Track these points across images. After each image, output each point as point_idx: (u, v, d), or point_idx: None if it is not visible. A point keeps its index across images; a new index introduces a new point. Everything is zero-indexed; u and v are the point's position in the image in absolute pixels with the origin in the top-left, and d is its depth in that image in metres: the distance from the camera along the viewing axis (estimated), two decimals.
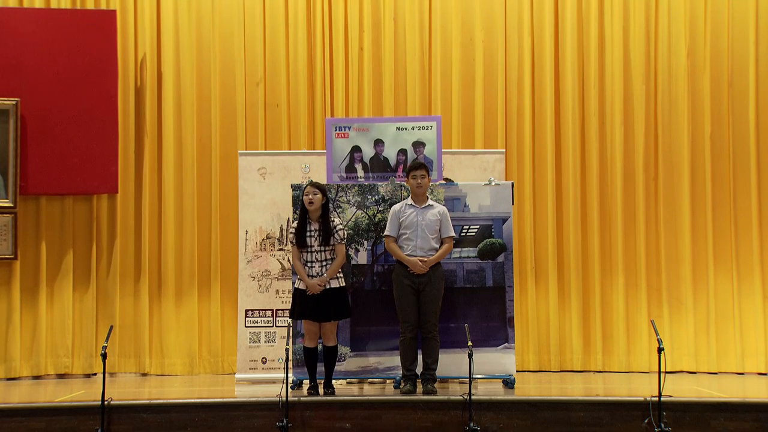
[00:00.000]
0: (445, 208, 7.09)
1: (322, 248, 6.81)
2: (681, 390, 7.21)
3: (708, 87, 8.93)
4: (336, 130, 7.72)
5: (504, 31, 9.06)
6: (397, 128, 7.75)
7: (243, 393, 7.36)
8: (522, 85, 9.03)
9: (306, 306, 6.78)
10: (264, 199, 8.00)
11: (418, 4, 9.08)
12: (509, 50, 9.07)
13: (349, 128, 7.74)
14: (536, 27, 9.07)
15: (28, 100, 8.53)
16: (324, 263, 6.81)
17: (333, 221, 6.88)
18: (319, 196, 6.80)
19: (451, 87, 9.05)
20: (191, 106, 8.96)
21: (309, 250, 6.81)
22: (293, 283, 6.99)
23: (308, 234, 6.81)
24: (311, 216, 6.84)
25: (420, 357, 6.95)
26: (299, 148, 8.77)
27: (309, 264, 6.81)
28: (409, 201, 7.03)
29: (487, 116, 9.02)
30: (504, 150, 8.52)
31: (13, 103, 8.49)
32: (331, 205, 7.02)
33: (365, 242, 7.41)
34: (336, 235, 6.82)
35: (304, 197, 6.80)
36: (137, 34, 8.97)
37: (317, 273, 6.80)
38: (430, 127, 7.72)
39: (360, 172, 7.68)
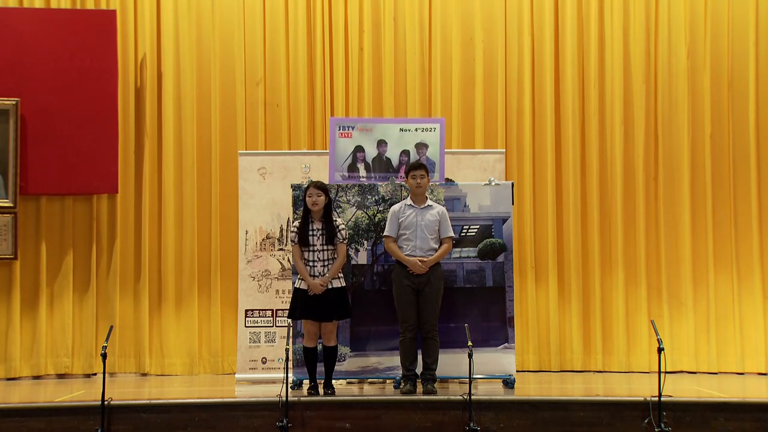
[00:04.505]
0: (444, 209, 7.09)
1: (325, 247, 6.81)
2: (681, 390, 7.21)
3: (708, 87, 8.94)
4: (339, 129, 7.72)
5: (504, 31, 9.06)
6: (401, 129, 7.76)
7: (243, 393, 7.36)
8: (522, 85, 9.03)
9: (308, 306, 6.78)
10: (264, 199, 8.00)
11: (418, 4, 9.08)
12: (509, 50, 9.07)
13: (353, 128, 7.74)
14: (536, 27, 9.07)
15: (28, 100, 8.53)
16: (326, 263, 6.81)
17: (336, 221, 6.89)
18: (323, 197, 6.80)
19: (451, 87, 9.05)
20: (191, 106, 8.96)
21: (311, 249, 6.81)
22: (293, 282, 6.99)
23: (311, 233, 6.81)
24: (313, 215, 6.84)
25: (420, 357, 6.95)
26: (299, 148, 8.77)
27: (311, 263, 6.81)
28: (409, 201, 7.04)
29: (487, 116, 9.02)
30: (504, 150, 8.53)
31: (13, 103, 8.49)
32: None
33: (365, 242, 7.41)
34: (339, 234, 6.83)
35: (308, 198, 6.80)
36: (137, 34, 8.97)
37: (319, 273, 6.79)
38: (433, 129, 7.73)
39: (362, 172, 7.68)
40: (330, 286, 6.80)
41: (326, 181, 7.30)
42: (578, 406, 6.49)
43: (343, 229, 6.90)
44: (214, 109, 8.99)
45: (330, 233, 6.80)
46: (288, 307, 7.04)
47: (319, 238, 6.81)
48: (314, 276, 6.79)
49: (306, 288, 6.79)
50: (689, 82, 8.95)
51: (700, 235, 8.84)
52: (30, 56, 8.57)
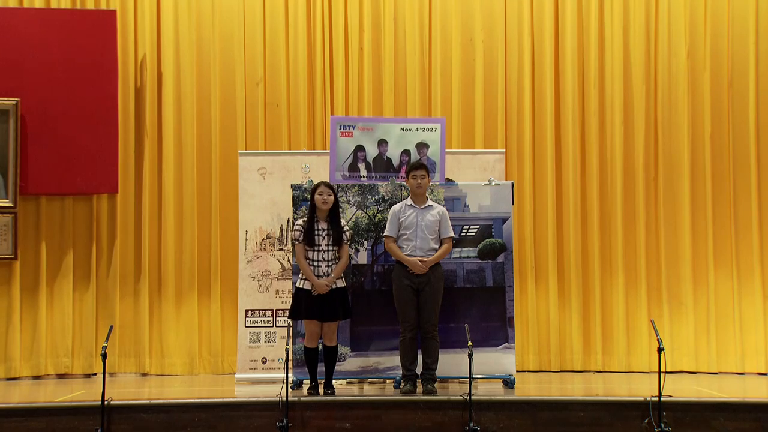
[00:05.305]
0: (444, 209, 7.10)
1: (330, 248, 6.81)
2: (681, 390, 7.21)
3: (708, 87, 8.94)
4: (340, 128, 7.72)
5: (504, 31, 9.07)
6: (402, 129, 7.75)
7: (243, 393, 7.36)
8: (522, 85, 9.03)
9: (312, 306, 6.77)
10: (264, 199, 8.00)
11: (418, 4, 9.08)
12: (509, 50, 9.07)
13: (354, 127, 7.74)
14: (536, 27, 9.07)
15: (28, 100, 8.53)
16: (330, 263, 6.81)
17: (341, 221, 6.90)
18: (332, 197, 6.81)
19: (451, 87, 9.05)
20: (191, 106, 8.96)
21: (316, 249, 6.80)
22: (294, 283, 6.99)
23: (316, 233, 6.81)
24: (319, 215, 6.84)
25: (420, 357, 6.95)
26: (299, 148, 8.77)
27: (315, 263, 6.80)
28: (409, 201, 7.04)
29: (487, 116, 9.02)
30: (504, 150, 8.53)
31: (13, 103, 8.49)
32: None
33: (365, 242, 7.41)
34: (345, 235, 6.84)
35: (318, 196, 6.79)
36: (137, 34, 8.97)
37: (324, 273, 6.79)
38: (434, 129, 7.73)
39: (363, 172, 7.68)
40: (334, 286, 6.80)
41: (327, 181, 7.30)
42: (578, 406, 6.50)
43: (347, 230, 6.91)
44: (214, 109, 8.99)
45: (337, 234, 6.81)
46: (288, 307, 7.02)
47: (324, 238, 6.81)
48: (318, 276, 6.78)
49: (309, 288, 6.78)
50: (689, 82, 8.95)
51: (700, 235, 8.84)
52: (30, 56, 8.57)
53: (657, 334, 6.38)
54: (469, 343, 6.36)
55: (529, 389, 7.48)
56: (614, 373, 8.68)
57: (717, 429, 6.36)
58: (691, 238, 8.83)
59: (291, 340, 6.67)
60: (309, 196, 6.96)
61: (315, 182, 7.00)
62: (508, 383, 7.31)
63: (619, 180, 8.91)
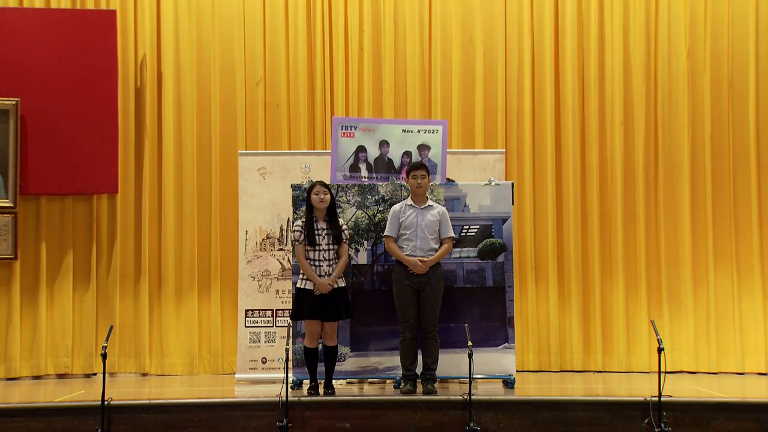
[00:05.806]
0: (444, 209, 7.10)
1: (330, 247, 6.82)
2: (681, 390, 7.21)
3: (708, 87, 8.94)
4: (342, 129, 7.71)
5: (504, 31, 9.07)
6: (403, 130, 7.75)
7: (243, 393, 7.36)
8: (522, 85, 9.04)
9: (315, 306, 6.77)
10: (264, 199, 8.00)
11: (418, 4, 9.08)
12: (509, 50, 9.07)
13: (355, 128, 7.74)
14: (536, 27, 9.07)
15: (28, 100, 8.53)
16: (331, 262, 6.81)
17: (339, 220, 6.90)
18: (329, 196, 6.82)
19: (451, 87, 9.05)
20: (191, 106, 8.96)
21: (317, 248, 6.80)
22: (294, 283, 6.98)
23: (317, 232, 6.81)
24: (318, 215, 6.84)
25: (420, 357, 6.95)
26: (299, 148, 8.77)
27: (316, 263, 6.79)
28: (409, 201, 7.04)
29: (487, 116, 9.03)
30: (504, 150, 8.53)
31: (13, 103, 8.49)
32: None
33: (365, 242, 7.41)
34: (344, 234, 6.84)
35: (314, 196, 6.79)
36: (137, 34, 8.97)
37: (325, 272, 6.79)
38: (435, 131, 7.73)
39: (364, 172, 7.68)
40: (336, 286, 6.81)
41: (327, 181, 7.29)
42: (578, 406, 6.49)
43: (346, 229, 6.92)
44: (214, 109, 8.99)
45: (337, 233, 6.82)
46: (289, 308, 7.01)
47: (324, 237, 6.81)
48: (320, 276, 6.78)
49: (311, 288, 6.78)
50: (689, 82, 8.95)
51: (700, 235, 8.84)
52: (30, 56, 8.57)
53: (657, 334, 6.38)
54: (469, 343, 6.36)
55: (529, 389, 7.48)
56: (614, 373, 8.68)
57: (717, 429, 6.36)
58: (691, 238, 8.84)
59: (291, 340, 6.67)
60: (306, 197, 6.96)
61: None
62: (508, 383, 7.31)
63: (619, 180, 8.91)
